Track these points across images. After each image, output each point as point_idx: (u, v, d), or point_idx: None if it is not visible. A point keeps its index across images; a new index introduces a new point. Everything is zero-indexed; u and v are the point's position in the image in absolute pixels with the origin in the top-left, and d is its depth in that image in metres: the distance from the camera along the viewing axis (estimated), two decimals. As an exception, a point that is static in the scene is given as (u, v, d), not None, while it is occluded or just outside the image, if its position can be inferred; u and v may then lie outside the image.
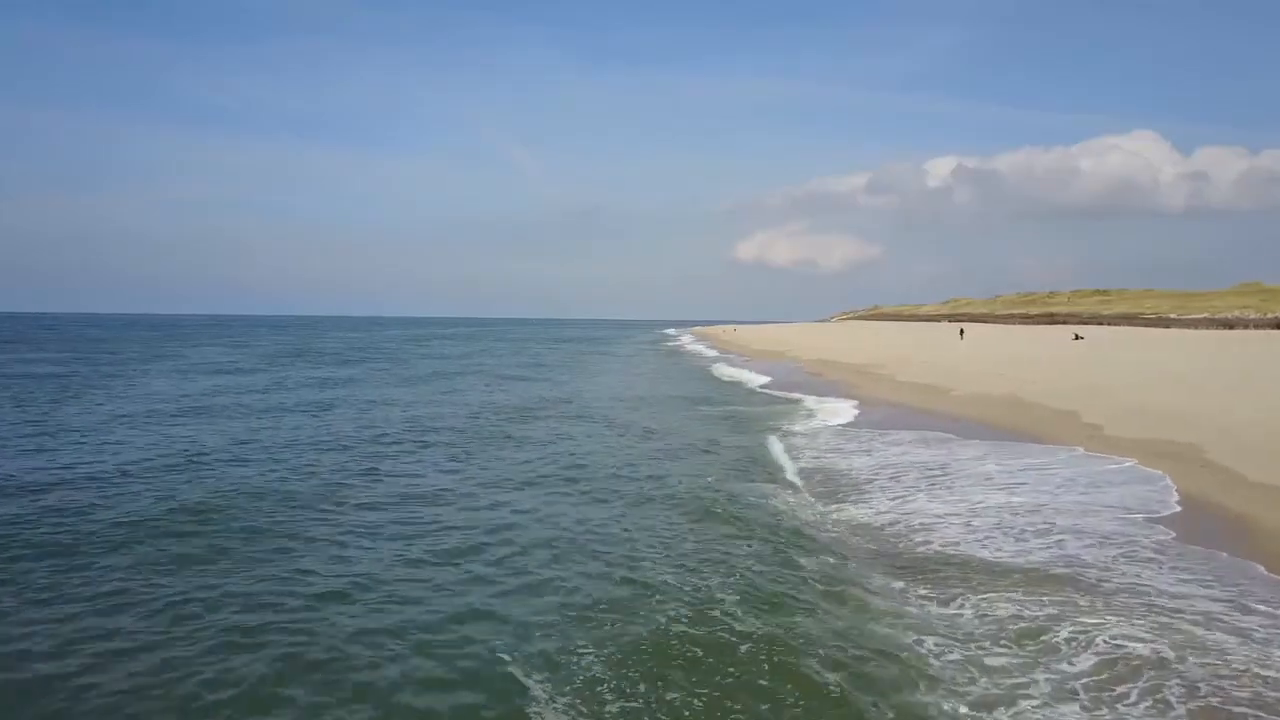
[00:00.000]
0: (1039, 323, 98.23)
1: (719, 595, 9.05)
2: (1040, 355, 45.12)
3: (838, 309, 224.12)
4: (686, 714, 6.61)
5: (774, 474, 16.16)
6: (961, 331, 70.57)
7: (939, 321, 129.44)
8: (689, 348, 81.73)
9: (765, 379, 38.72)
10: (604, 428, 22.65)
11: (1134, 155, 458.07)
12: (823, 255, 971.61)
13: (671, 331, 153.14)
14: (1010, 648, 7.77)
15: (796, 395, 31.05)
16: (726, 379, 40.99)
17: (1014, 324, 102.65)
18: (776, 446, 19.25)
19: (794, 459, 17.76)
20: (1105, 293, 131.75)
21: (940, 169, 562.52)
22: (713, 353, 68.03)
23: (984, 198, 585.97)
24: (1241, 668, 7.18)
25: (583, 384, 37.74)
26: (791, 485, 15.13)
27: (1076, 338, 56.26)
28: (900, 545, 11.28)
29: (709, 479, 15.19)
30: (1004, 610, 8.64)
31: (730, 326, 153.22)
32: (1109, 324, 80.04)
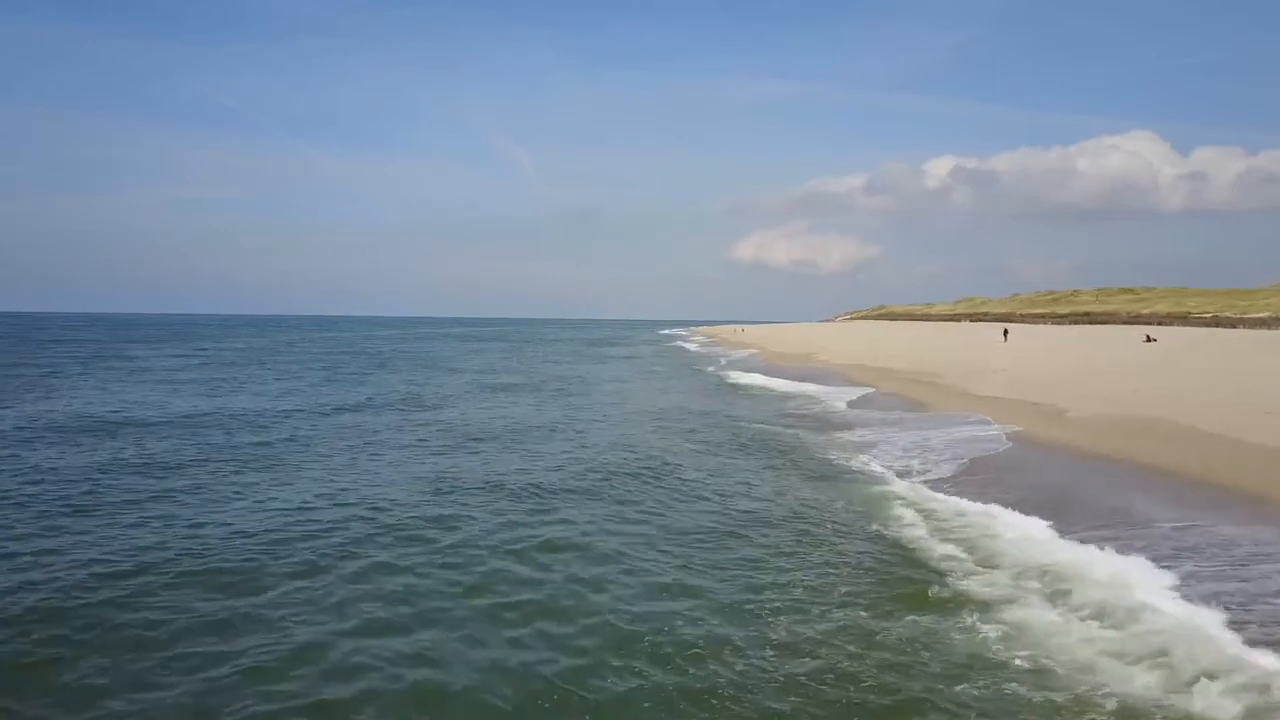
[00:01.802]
0: (1075, 322, 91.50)
1: None
2: (1125, 360, 38.44)
3: (837, 309, 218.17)
4: None
5: (967, 601, 9.46)
6: (1005, 333, 63.91)
7: (959, 321, 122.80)
8: (701, 351, 75.03)
9: (813, 393, 32.00)
10: (691, 503, 15.92)
11: (1132, 155, 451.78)
12: (821, 255, 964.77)
13: (674, 332, 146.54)
14: None
15: (864, 415, 24.34)
16: (759, 391, 34.24)
17: (1044, 324, 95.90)
18: (918, 526, 12.52)
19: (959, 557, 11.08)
20: (1134, 290, 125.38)
21: (938, 169, 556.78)
22: (730, 355, 61.29)
23: (982, 198, 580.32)
24: None
25: (608, 406, 30.93)
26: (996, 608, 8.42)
27: (1149, 339, 49.62)
28: None
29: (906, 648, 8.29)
30: None
31: (738, 327, 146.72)
32: (1160, 323, 73.17)
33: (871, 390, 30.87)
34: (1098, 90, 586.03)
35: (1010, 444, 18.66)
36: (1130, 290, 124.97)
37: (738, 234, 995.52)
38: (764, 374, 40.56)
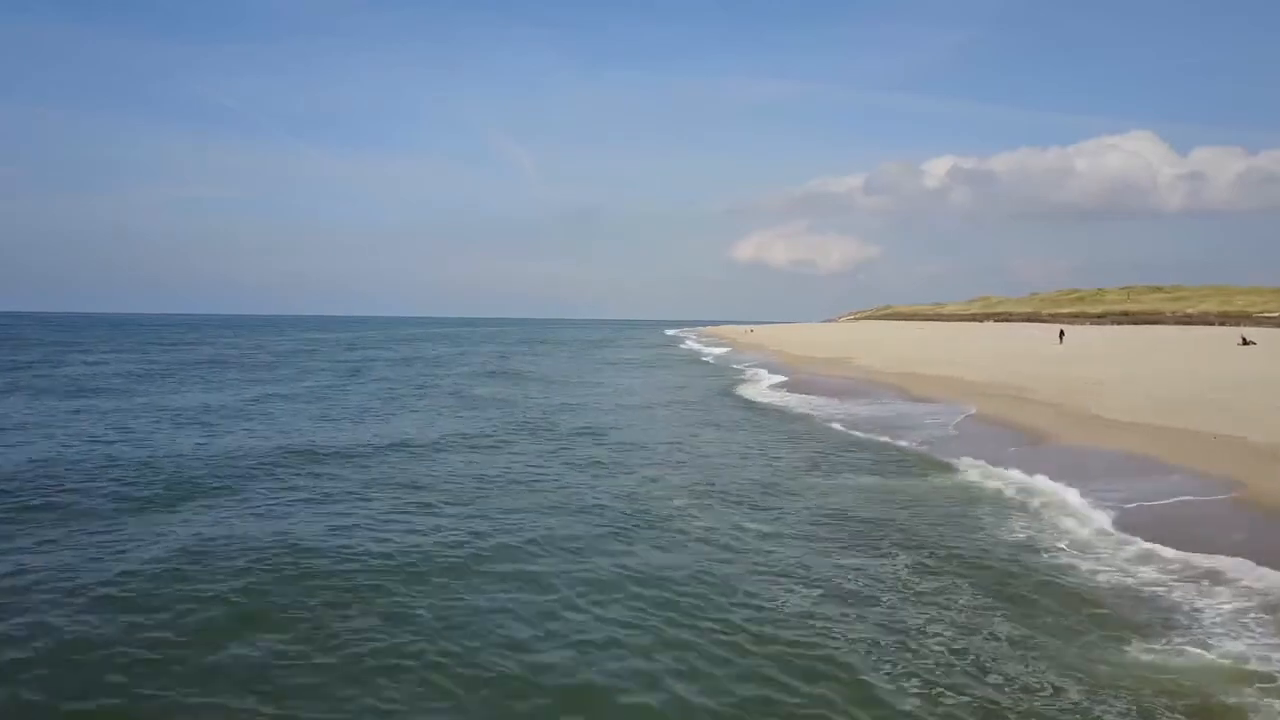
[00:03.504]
0: (1115, 322, 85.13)
1: None
2: (1246, 368, 31.93)
3: (838, 309, 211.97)
4: None
5: None
6: (1061, 334, 57.65)
7: (981, 321, 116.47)
8: (718, 354, 68.51)
9: (886, 417, 25.45)
10: None
11: (1131, 155, 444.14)
12: (821, 255, 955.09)
13: (679, 333, 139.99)
14: None
15: (984, 454, 17.79)
16: (816, 414, 27.66)
17: (1082, 324, 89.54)
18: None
19: None
20: (1162, 288, 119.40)
21: (938, 169, 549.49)
22: (752, 360, 54.68)
23: (981, 198, 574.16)
24: None
25: (635, 460, 24.44)
26: None
27: (1245, 342, 43.29)
28: None
29: None
30: None
31: (747, 328, 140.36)
32: (1222, 323, 66.74)
33: (964, 412, 24.33)
34: (1097, 90, 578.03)
35: (1253, 512, 12.16)
36: (1160, 288, 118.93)
37: (738, 234, 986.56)
38: (806, 391, 34.02)
